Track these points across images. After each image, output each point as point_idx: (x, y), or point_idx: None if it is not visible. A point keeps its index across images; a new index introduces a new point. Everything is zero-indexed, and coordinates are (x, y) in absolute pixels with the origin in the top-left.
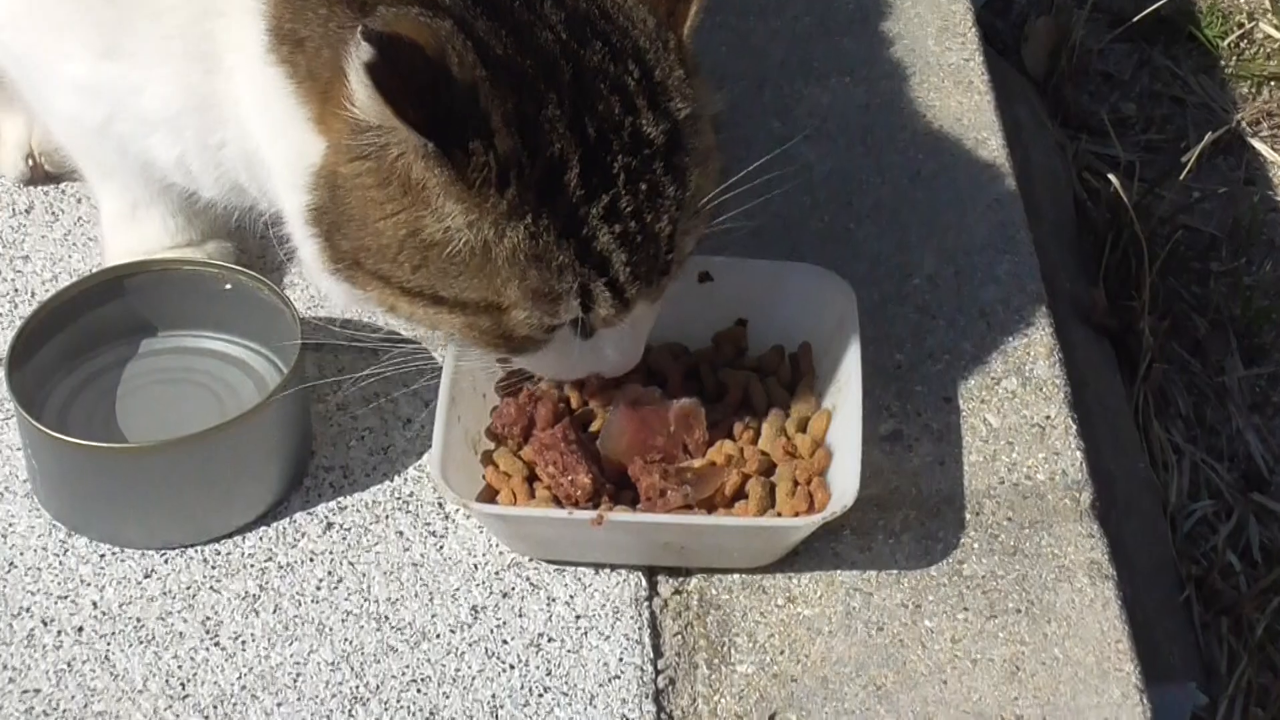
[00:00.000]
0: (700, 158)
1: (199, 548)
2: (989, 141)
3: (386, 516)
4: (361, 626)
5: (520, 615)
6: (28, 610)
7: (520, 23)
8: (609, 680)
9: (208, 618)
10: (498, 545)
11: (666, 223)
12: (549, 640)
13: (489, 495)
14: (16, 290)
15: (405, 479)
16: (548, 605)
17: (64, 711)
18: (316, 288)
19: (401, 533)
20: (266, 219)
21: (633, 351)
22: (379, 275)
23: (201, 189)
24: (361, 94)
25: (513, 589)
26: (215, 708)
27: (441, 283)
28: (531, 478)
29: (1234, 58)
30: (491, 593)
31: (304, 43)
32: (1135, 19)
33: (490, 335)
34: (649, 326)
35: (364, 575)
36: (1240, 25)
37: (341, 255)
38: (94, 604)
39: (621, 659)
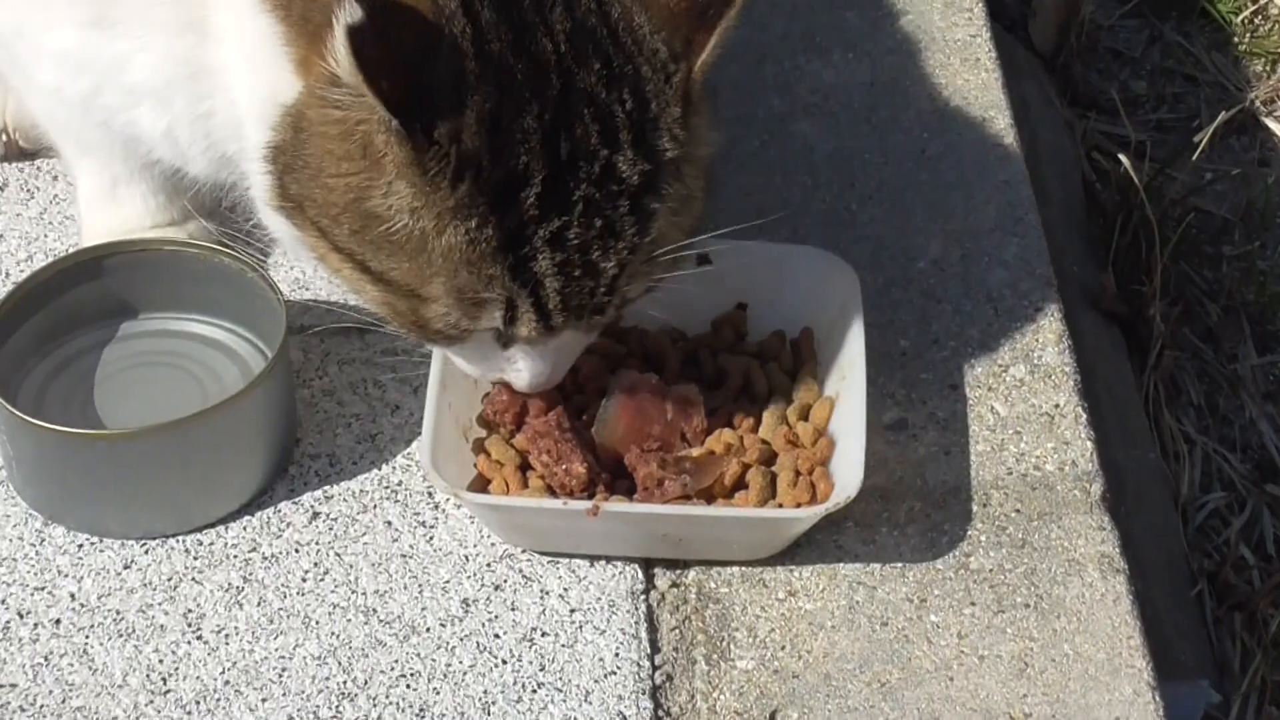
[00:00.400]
0: (674, 205)
1: (180, 538)
2: (996, 120)
3: (374, 506)
4: (349, 620)
5: (513, 609)
6: (3, 602)
7: (524, 23)
8: (605, 676)
9: (190, 610)
10: (489, 536)
11: (614, 264)
12: (542, 634)
13: (480, 484)
14: None
15: (394, 467)
16: (541, 598)
17: (41, 707)
18: (261, 220)
19: (390, 523)
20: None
21: (548, 376)
22: (318, 227)
23: (189, 163)
24: (340, 53)
25: (505, 581)
26: (198, 703)
27: (372, 255)
28: (525, 466)
29: (1248, 34)
30: (483, 585)
31: None
32: None
33: (405, 319)
34: (574, 356)
35: (351, 567)
36: (1255, 0)
37: (289, 196)
38: (72, 595)
39: (617, 654)
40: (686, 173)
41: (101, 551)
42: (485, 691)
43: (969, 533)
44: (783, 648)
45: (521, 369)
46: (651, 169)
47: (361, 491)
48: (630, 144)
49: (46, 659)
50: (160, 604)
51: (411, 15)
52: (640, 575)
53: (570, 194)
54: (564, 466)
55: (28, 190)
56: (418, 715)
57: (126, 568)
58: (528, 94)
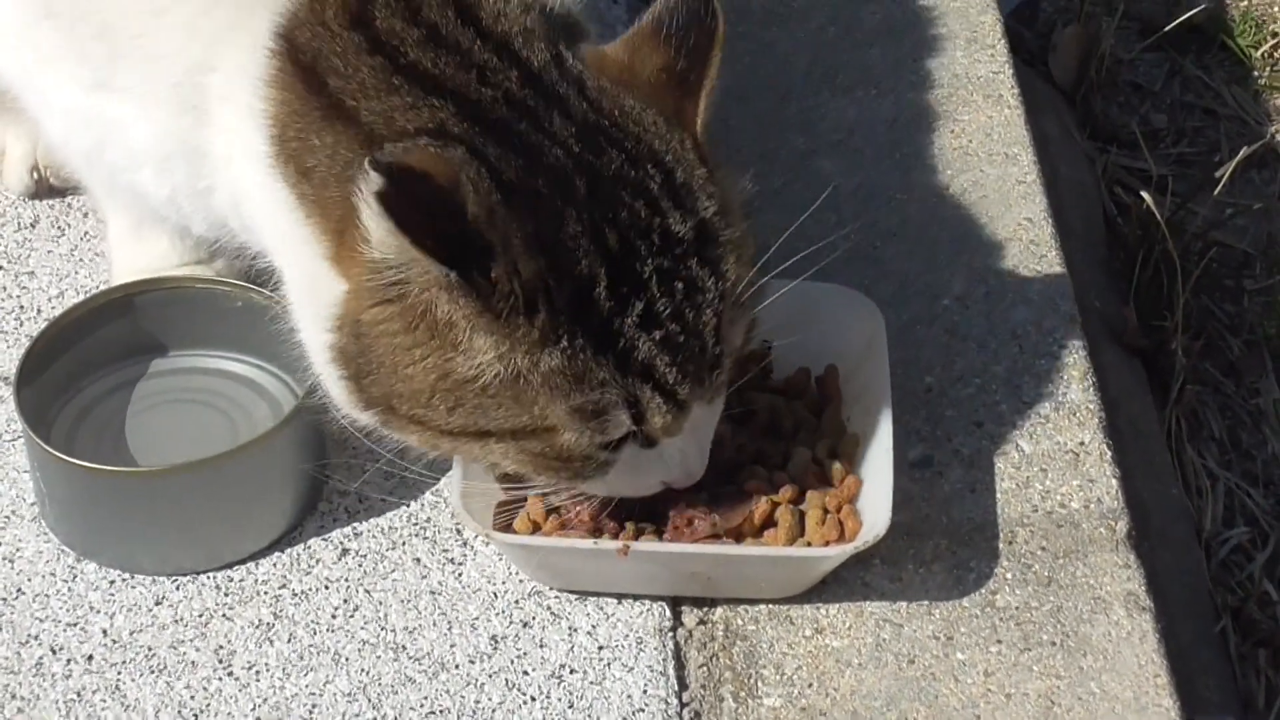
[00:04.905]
0: (734, 247)
1: (211, 574)
2: (1019, 157)
3: (403, 543)
4: (379, 656)
5: (541, 645)
6: (36, 638)
7: (529, 145)
8: (633, 713)
9: (220, 646)
10: (518, 573)
11: (710, 315)
12: (571, 671)
13: (507, 513)
14: (22, 307)
15: (422, 504)
16: (569, 635)
17: None
18: (352, 421)
19: (419, 559)
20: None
21: (697, 459)
22: (415, 420)
23: (192, 226)
24: (375, 228)
25: (533, 618)
26: None
27: (482, 417)
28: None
29: (1268, 68)
30: (511, 622)
31: (311, 173)
32: (1166, 28)
33: (546, 458)
34: (711, 430)
35: (381, 603)
36: (1275, 34)
37: (374, 400)
38: (104, 631)
39: (645, 691)
40: (732, 220)
41: (133, 588)
42: None
43: (995, 570)
44: (810, 685)
45: (674, 463)
46: (700, 223)
47: (390, 528)
48: (675, 207)
49: (79, 695)
50: (191, 640)
51: (424, 174)
52: (668, 612)
53: (639, 273)
54: (575, 512)
55: (58, 227)
56: None
57: (158, 604)
58: (559, 203)
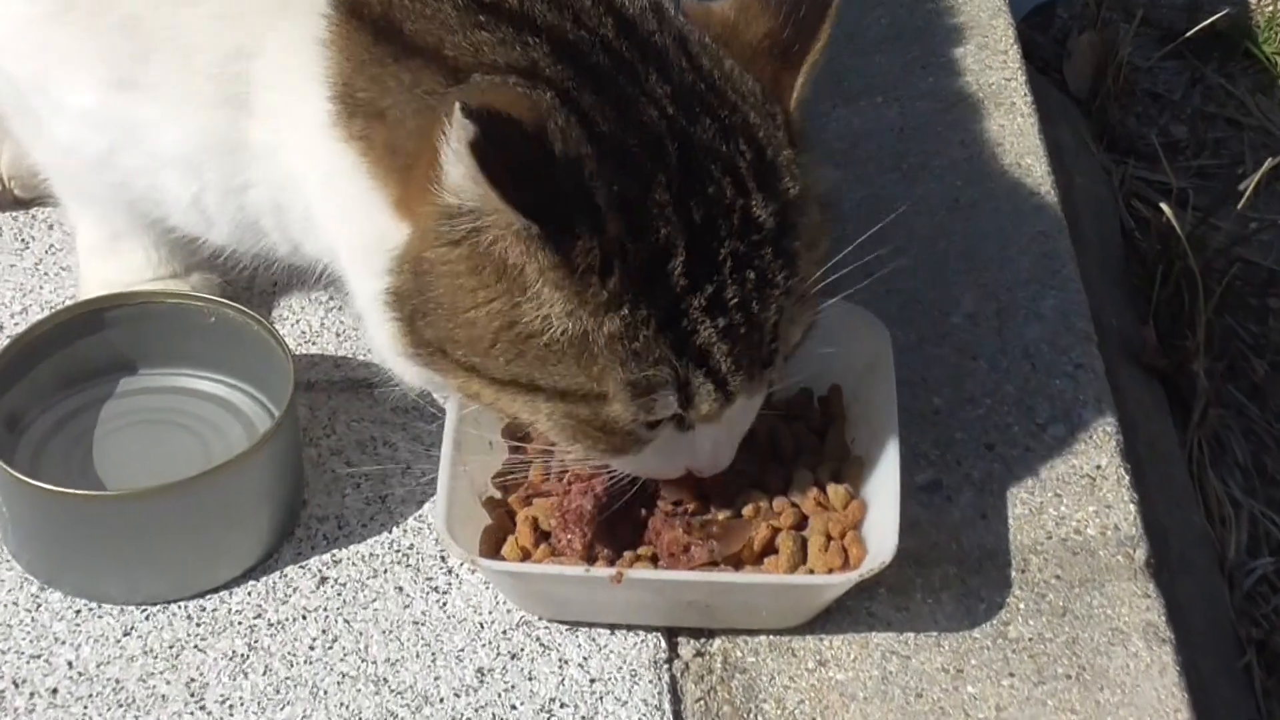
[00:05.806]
0: (809, 240)
1: (183, 603)
2: (1032, 168)
3: (385, 570)
4: (359, 689)
5: (530, 678)
6: None
7: (625, 97)
8: None
9: (192, 679)
10: (505, 602)
11: (774, 311)
12: (561, 705)
13: (494, 539)
14: None
15: (405, 530)
16: (560, 667)
17: None
18: (388, 367)
19: (401, 588)
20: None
21: (727, 450)
22: (468, 367)
23: (213, 231)
24: (457, 174)
25: (522, 650)
26: None
27: (539, 371)
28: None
29: None
30: (499, 654)
31: (384, 114)
32: (1187, 34)
33: (589, 426)
34: (746, 425)
35: (361, 634)
36: None
37: (425, 343)
38: (69, 664)
39: None
40: (809, 208)
41: (100, 618)
42: None
43: (1007, 600)
44: None
45: (704, 451)
46: (781, 209)
47: (371, 555)
48: (759, 190)
49: None
50: (162, 673)
51: (511, 119)
52: (663, 644)
53: (715, 254)
54: (567, 538)
55: (22, 240)
56: None
57: (126, 634)
58: (649, 165)
